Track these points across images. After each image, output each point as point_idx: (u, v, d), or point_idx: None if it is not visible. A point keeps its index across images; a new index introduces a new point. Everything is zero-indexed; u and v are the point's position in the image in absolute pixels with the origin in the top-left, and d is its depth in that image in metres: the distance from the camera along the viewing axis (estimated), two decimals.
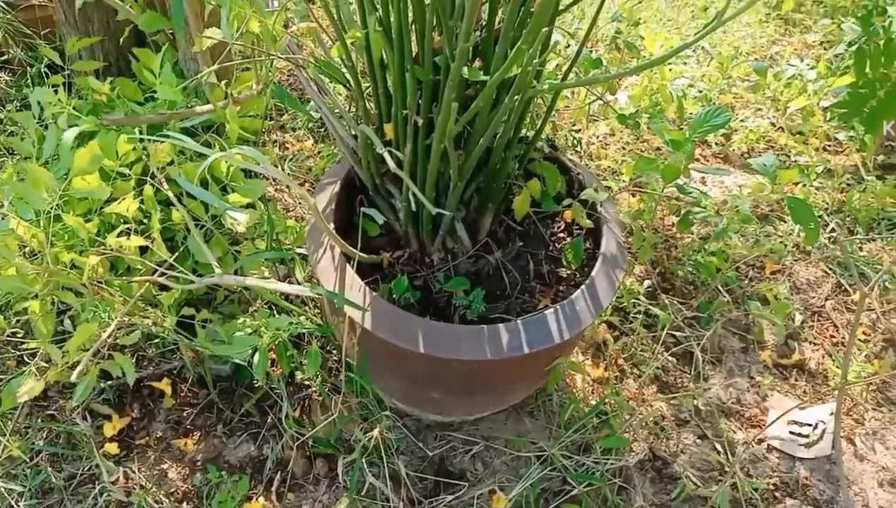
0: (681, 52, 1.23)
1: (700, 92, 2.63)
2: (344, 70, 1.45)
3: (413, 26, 1.27)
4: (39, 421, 1.59)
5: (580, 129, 2.42)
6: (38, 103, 1.67)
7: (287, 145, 2.30)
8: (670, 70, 2.69)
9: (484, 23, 1.29)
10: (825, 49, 3.21)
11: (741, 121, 2.64)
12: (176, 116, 1.42)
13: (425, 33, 1.27)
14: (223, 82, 1.51)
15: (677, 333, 1.85)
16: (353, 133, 1.54)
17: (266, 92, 1.63)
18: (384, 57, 1.37)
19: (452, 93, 1.17)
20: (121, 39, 1.84)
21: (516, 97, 1.20)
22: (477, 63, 1.39)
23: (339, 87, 2.24)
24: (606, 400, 1.68)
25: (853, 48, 2.16)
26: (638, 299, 1.85)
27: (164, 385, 1.64)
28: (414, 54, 1.29)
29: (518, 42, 1.26)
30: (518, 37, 1.25)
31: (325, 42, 1.63)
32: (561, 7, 1.28)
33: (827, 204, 2.23)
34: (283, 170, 2.16)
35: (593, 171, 2.33)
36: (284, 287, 1.32)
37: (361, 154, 1.48)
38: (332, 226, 1.47)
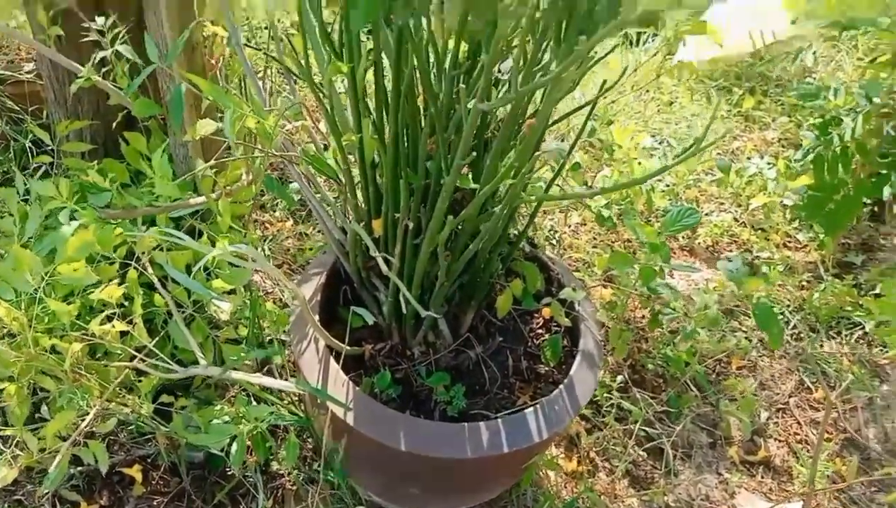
0: (659, 174, 1.31)
1: (668, 186, 2.74)
2: (335, 167, 1.50)
3: (407, 132, 1.33)
4: (6, 506, 1.55)
5: (556, 222, 2.50)
6: (24, 184, 1.68)
7: (267, 225, 2.33)
8: (639, 165, 2.80)
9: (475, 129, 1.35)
10: (783, 146, 3.38)
11: (706, 214, 2.75)
12: (171, 208, 1.45)
13: (418, 139, 1.32)
14: (213, 170, 1.54)
15: (648, 428, 1.89)
16: (341, 224, 1.58)
17: (257, 182, 1.67)
18: (376, 158, 1.42)
19: (445, 204, 1.22)
20: (113, 124, 1.87)
21: (506, 210, 1.25)
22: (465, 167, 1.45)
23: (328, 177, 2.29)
24: (580, 497, 1.70)
25: (810, 157, 2.30)
26: (611, 393, 1.88)
27: (136, 472, 1.62)
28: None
29: (508, 152, 1.33)
30: (508, 148, 1.31)
31: (317, 134, 1.67)
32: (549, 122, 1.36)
33: (789, 301, 2.32)
34: (262, 251, 2.18)
35: (566, 261, 2.40)
36: (270, 381, 1.33)
37: (349, 249, 1.52)
38: (316, 317, 1.49)
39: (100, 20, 1.61)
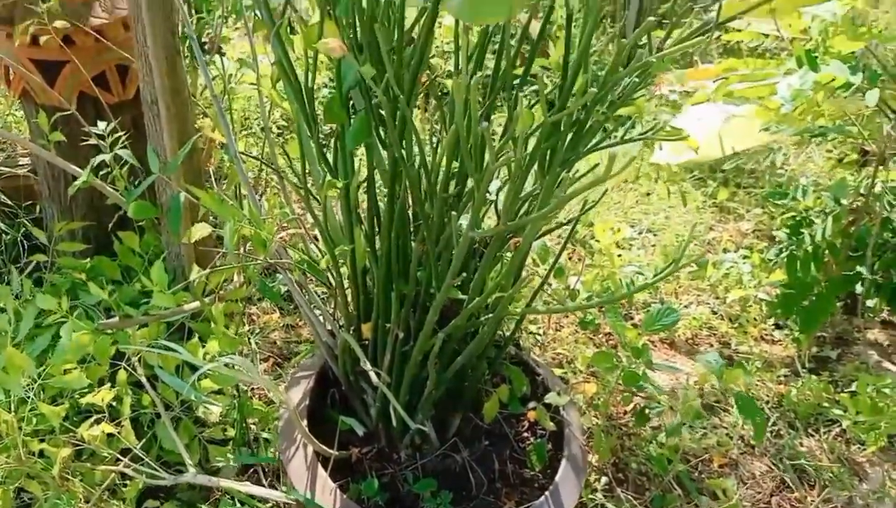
0: (647, 288, 1.36)
1: (647, 279, 2.81)
2: (327, 273, 1.54)
3: (398, 242, 1.38)
4: None
5: (540, 319, 2.54)
6: (20, 281, 1.71)
7: (254, 318, 2.35)
8: (619, 257, 2.88)
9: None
10: (758, 238, 3.48)
11: (685, 307, 2.81)
12: (165, 316, 1.47)
13: (409, 249, 1.37)
14: (205, 274, 1.58)
15: None
16: (330, 328, 1.61)
17: (249, 285, 1.70)
18: (367, 264, 1.47)
19: (434, 317, 1.26)
20: (106, 221, 1.91)
21: (493, 322, 1.30)
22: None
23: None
24: None
25: (783, 255, 2.38)
26: (595, 494, 1.89)
27: None
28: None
29: (495, 266, 1.38)
30: (496, 262, 1.37)
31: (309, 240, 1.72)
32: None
33: (767, 397, 2.36)
34: (249, 343, 2.19)
35: (550, 355, 2.43)
36: (258, 490, 1.34)
37: (339, 353, 1.55)
38: (305, 423, 1.50)
39: (101, 125, 1.67)
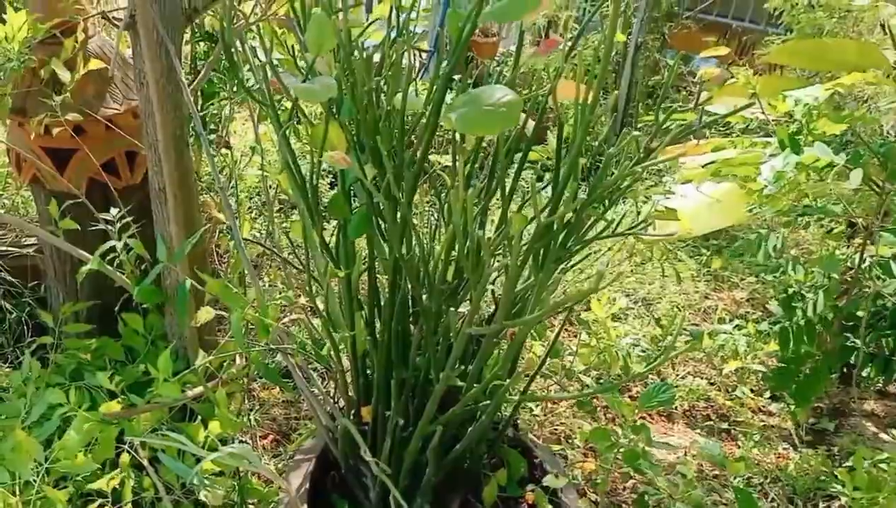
0: (642, 376, 1.39)
1: (643, 351, 2.84)
2: (328, 357, 1.57)
3: (398, 329, 1.42)
4: None
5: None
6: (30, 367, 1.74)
7: (254, 393, 2.37)
8: (615, 328, 2.91)
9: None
10: (752, 306, 3.53)
11: (681, 378, 2.83)
12: (170, 404, 1.50)
13: (408, 336, 1.41)
14: (209, 360, 1.61)
15: None
16: (331, 411, 1.63)
17: (250, 367, 1.73)
18: (367, 349, 1.50)
19: (434, 406, 1.29)
20: (110, 301, 1.95)
21: (491, 408, 1.33)
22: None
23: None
24: None
25: (777, 327, 2.42)
26: None
27: None
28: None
29: (492, 354, 1.42)
30: (493, 350, 1.40)
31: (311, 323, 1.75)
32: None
33: (766, 472, 2.36)
34: (249, 420, 2.21)
35: (548, 431, 2.44)
36: None
37: (339, 437, 1.57)
38: (305, 507, 1.51)
39: (112, 211, 1.72)
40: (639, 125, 4.60)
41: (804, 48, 2.56)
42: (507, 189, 1.28)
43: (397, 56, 1.10)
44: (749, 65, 4.89)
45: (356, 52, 1.08)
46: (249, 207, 3.00)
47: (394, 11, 1.27)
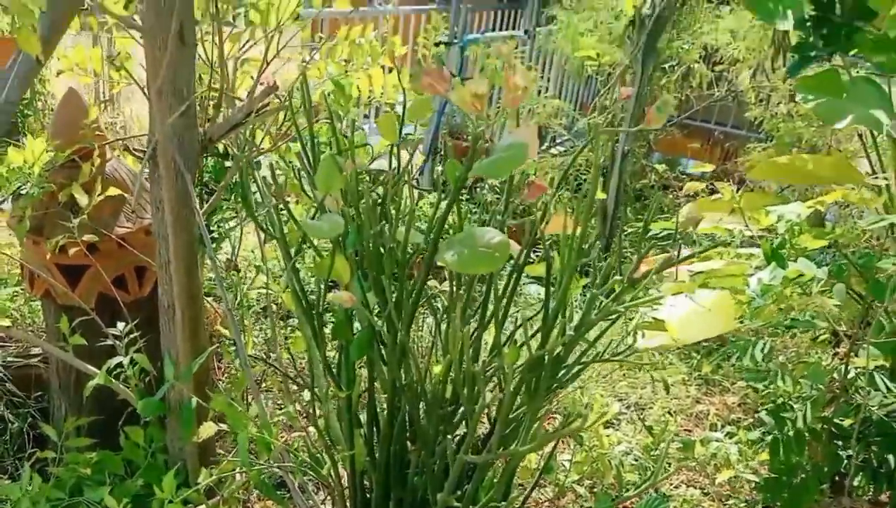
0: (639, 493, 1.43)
1: (636, 460, 2.86)
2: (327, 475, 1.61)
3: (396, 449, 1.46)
4: None
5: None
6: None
7: (249, 505, 2.37)
8: (608, 437, 2.93)
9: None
10: (744, 412, 3.56)
11: (675, 487, 2.84)
12: None
13: (406, 456, 1.46)
14: (213, 480, 1.64)
15: None
16: None
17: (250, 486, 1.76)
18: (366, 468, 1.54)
19: None
20: (113, 413, 1.99)
21: None
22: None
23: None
24: None
25: (768, 438, 2.46)
26: None
27: None
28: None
29: (486, 474, 1.47)
30: (488, 471, 1.45)
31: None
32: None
33: None
34: None
35: None
36: None
37: None
38: None
39: (119, 325, 1.79)
40: (627, 229, 4.74)
41: (783, 164, 2.68)
42: (501, 315, 1.36)
43: (400, 200, 1.20)
44: (732, 174, 5.09)
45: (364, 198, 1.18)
46: (251, 315, 3.06)
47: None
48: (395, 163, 1.34)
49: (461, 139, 5.87)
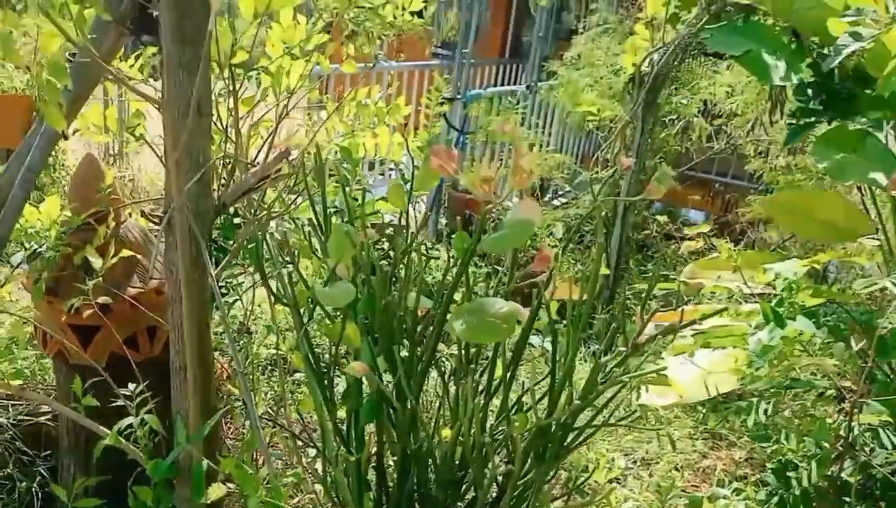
0: None
1: None
2: None
3: None
4: None
5: None
6: None
7: None
8: (614, 496, 2.93)
9: None
10: (752, 467, 3.54)
11: None
12: None
13: None
14: None
15: None
16: None
17: None
18: None
19: None
20: (121, 471, 2.00)
21: None
22: None
23: None
24: None
25: (774, 499, 2.45)
26: None
27: None
28: None
29: None
30: None
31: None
32: None
33: None
34: None
35: None
36: None
37: None
38: None
39: (130, 386, 1.81)
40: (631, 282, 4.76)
41: (790, 200, 2.56)
42: (509, 378, 1.39)
43: (409, 270, 1.24)
44: (733, 227, 5.12)
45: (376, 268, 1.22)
46: (259, 369, 3.08)
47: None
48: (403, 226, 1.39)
49: (464, 192, 5.95)
